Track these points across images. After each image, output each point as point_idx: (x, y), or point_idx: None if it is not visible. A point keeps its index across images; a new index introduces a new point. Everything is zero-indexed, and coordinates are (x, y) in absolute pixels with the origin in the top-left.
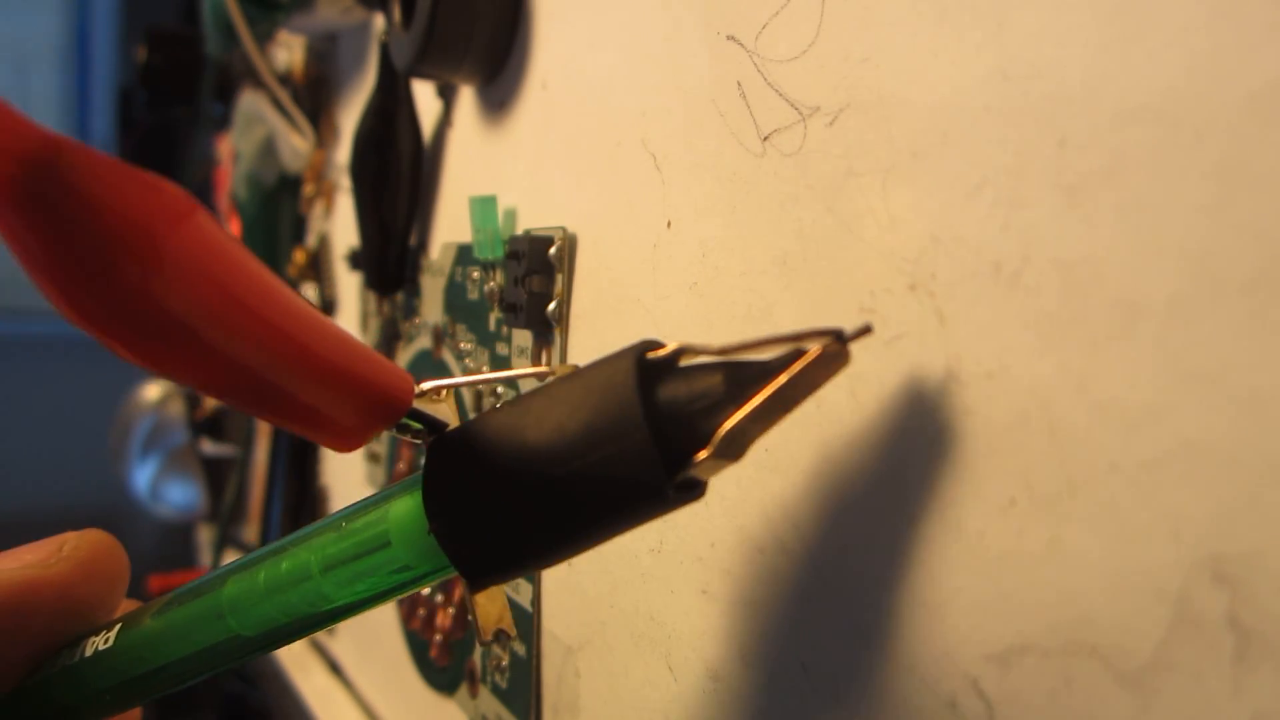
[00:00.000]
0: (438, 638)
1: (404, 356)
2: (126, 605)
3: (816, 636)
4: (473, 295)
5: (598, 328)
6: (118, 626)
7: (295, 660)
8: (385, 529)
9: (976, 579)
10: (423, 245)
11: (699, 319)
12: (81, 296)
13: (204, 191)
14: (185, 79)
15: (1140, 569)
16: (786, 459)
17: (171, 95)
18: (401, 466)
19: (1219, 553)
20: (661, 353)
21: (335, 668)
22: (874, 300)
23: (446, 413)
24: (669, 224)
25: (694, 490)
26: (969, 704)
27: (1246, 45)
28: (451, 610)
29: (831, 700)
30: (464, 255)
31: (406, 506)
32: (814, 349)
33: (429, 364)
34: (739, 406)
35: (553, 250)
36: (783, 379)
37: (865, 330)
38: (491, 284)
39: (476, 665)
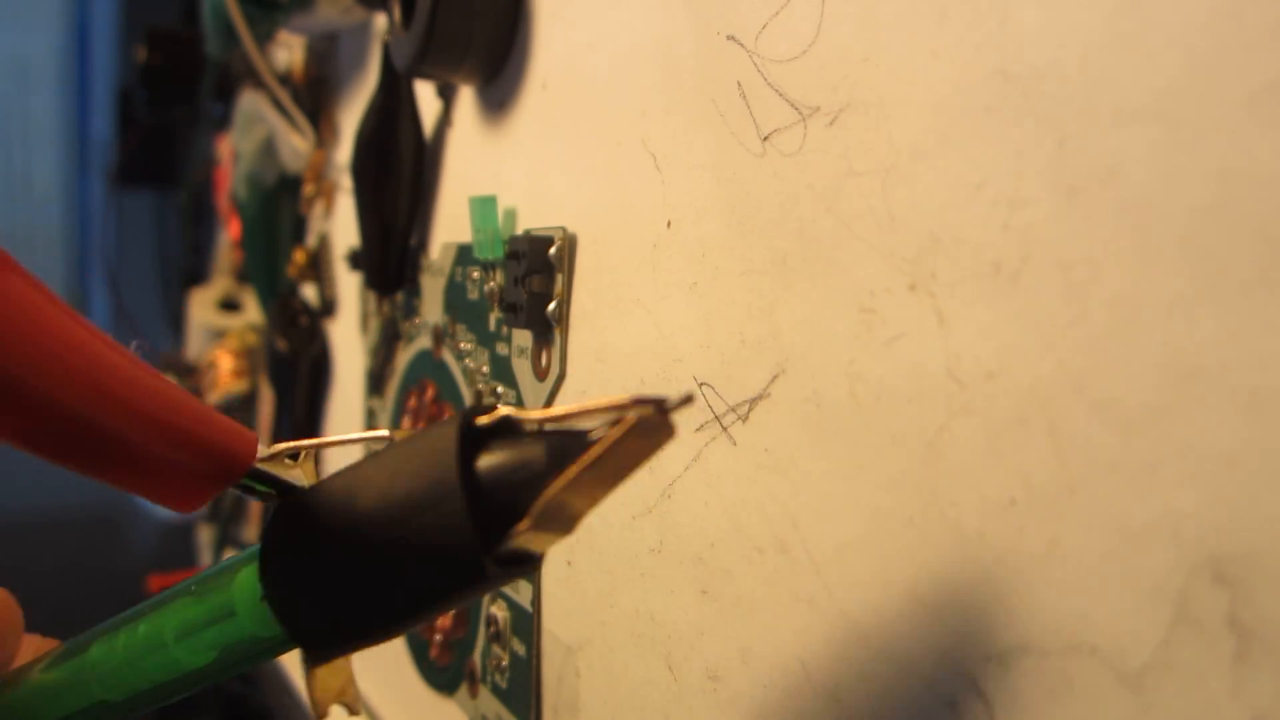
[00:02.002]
0: (438, 638)
1: (404, 356)
2: (29, 644)
3: (816, 636)
4: (473, 295)
5: (598, 328)
6: None
7: (295, 660)
8: (230, 597)
9: (976, 579)
10: (423, 245)
11: (699, 319)
12: None
13: (204, 191)
14: (185, 79)
15: (1140, 569)
16: (786, 459)
17: (171, 95)
18: None
19: (1219, 553)
20: (487, 419)
21: None
22: (874, 300)
23: (302, 476)
24: (669, 224)
25: (524, 563)
26: (969, 704)
27: (1246, 45)
28: (451, 610)
29: (831, 700)
30: (464, 255)
31: (249, 575)
32: (628, 419)
33: (429, 364)
34: (557, 478)
35: (553, 250)
36: (595, 452)
37: (686, 400)
38: (491, 284)
39: (476, 665)
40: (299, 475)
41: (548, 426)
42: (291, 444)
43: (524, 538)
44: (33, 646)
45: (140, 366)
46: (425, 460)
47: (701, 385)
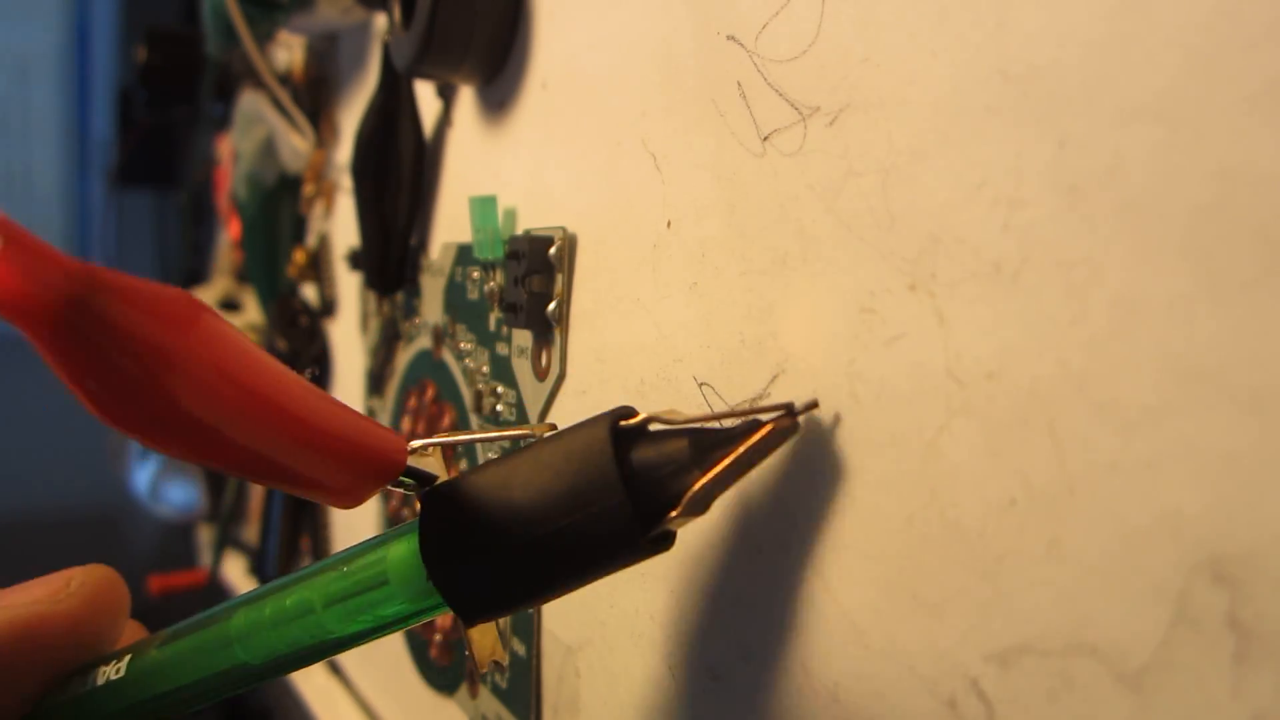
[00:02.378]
0: (438, 638)
1: (404, 356)
2: (129, 632)
3: (816, 636)
4: (473, 295)
5: (598, 328)
6: (128, 656)
7: None
8: (383, 570)
9: (976, 579)
10: (423, 245)
11: (699, 319)
12: (114, 408)
13: (204, 191)
14: (185, 79)
15: (1140, 569)
16: (786, 459)
17: (171, 95)
18: None
19: (1219, 553)
20: (633, 421)
21: (335, 668)
22: (874, 300)
23: (434, 465)
24: (669, 224)
25: (665, 542)
26: (969, 704)
27: (1246, 45)
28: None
29: (831, 700)
30: (464, 255)
31: (402, 551)
32: (770, 423)
33: (429, 364)
34: (704, 471)
35: (553, 250)
36: (742, 449)
37: (812, 405)
38: (491, 284)
39: None
40: (432, 465)
41: (688, 426)
42: (429, 440)
43: (672, 523)
44: (131, 631)
45: (313, 392)
46: (584, 460)
47: (701, 385)
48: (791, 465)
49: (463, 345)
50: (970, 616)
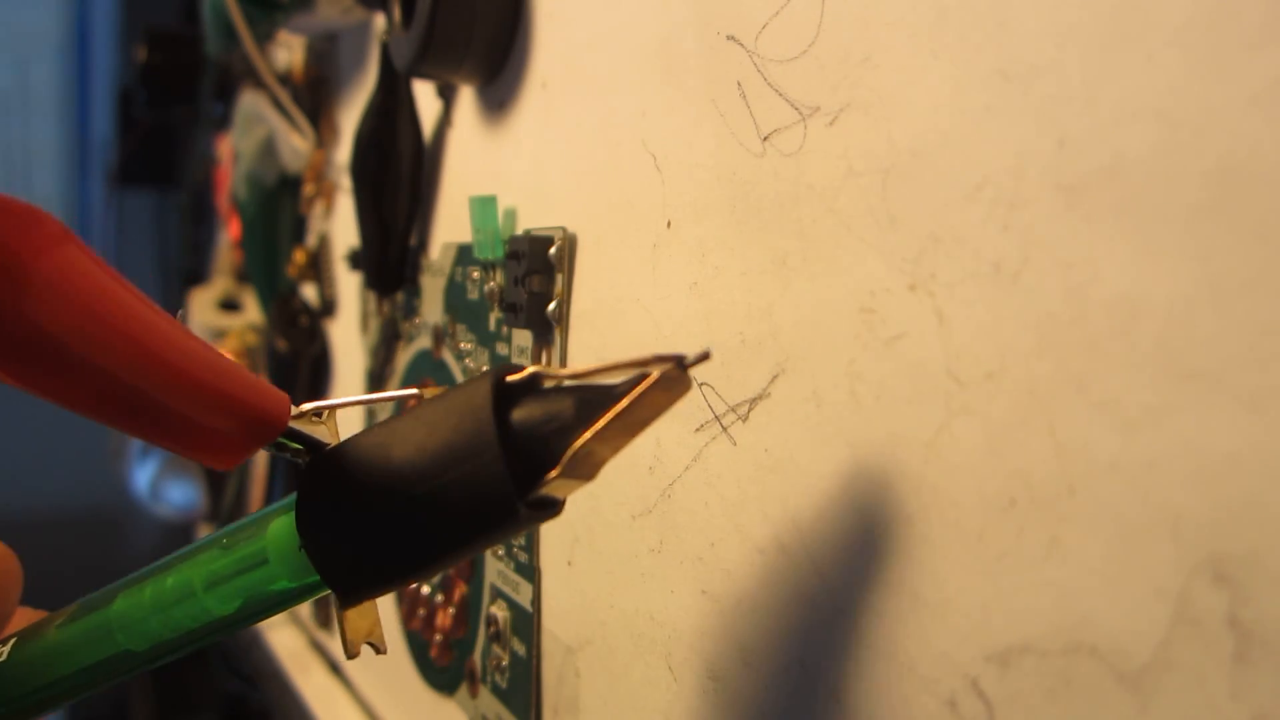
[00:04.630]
0: (438, 638)
1: (404, 356)
2: (21, 616)
3: (816, 636)
4: (473, 295)
5: (598, 328)
6: (12, 641)
7: (295, 660)
8: (263, 546)
9: (976, 579)
10: (423, 245)
11: (699, 319)
12: None
13: (204, 191)
14: (185, 79)
15: (1140, 569)
16: (786, 459)
17: (171, 95)
18: None
19: (1219, 553)
20: (518, 376)
21: (335, 668)
22: (874, 300)
23: (327, 434)
24: (669, 224)
25: (549, 508)
26: (969, 704)
27: (1246, 45)
28: (452, 610)
29: (831, 700)
30: (464, 255)
31: (283, 525)
32: (654, 374)
33: (429, 364)
34: (587, 428)
35: (553, 250)
36: (625, 403)
37: (704, 356)
38: (491, 284)
39: (476, 665)
40: (324, 433)
41: (572, 383)
42: (319, 403)
43: (553, 485)
44: (25, 616)
45: (184, 332)
46: (461, 415)
47: (701, 385)
48: (792, 465)
49: (463, 345)
50: (970, 616)
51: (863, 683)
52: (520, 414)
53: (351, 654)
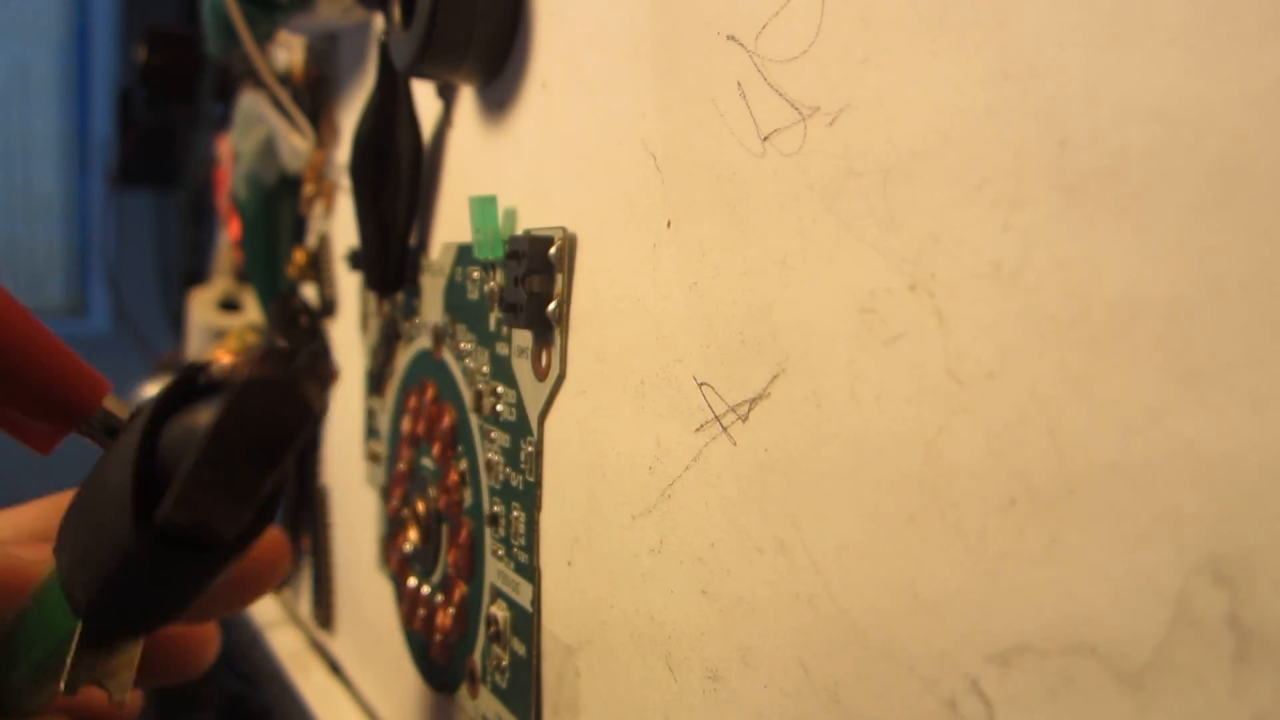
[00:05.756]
0: (438, 638)
1: (404, 356)
2: None
3: (816, 636)
4: (473, 295)
5: (598, 328)
6: None
7: (295, 660)
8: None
9: (976, 579)
10: (423, 245)
11: (699, 319)
12: None
13: (204, 191)
14: (185, 79)
15: (1140, 569)
16: (786, 459)
17: (171, 95)
18: (401, 466)
19: (1219, 553)
20: (202, 379)
21: (335, 668)
22: (874, 300)
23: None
24: (669, 224)
25: (204, 545)
26: (969, 704)
27: (1246, 45)
28: (452, 610)
29: (831, 700)
30: (464, 255)
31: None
32: (244, 376)
33: (429, 364)
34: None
35: (553, 250)
36: (218, 418)
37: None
38: (491, 284)
39: (476, 665)
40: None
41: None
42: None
43: (179, 506)
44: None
45: (13, 306)
46: (130, 432)
47: (701, 385)
48: (791, 465)
49: (463, 345)
50: (970, 616)
51: (863, 683)
52: (169, 434)
53: (70, 692)
